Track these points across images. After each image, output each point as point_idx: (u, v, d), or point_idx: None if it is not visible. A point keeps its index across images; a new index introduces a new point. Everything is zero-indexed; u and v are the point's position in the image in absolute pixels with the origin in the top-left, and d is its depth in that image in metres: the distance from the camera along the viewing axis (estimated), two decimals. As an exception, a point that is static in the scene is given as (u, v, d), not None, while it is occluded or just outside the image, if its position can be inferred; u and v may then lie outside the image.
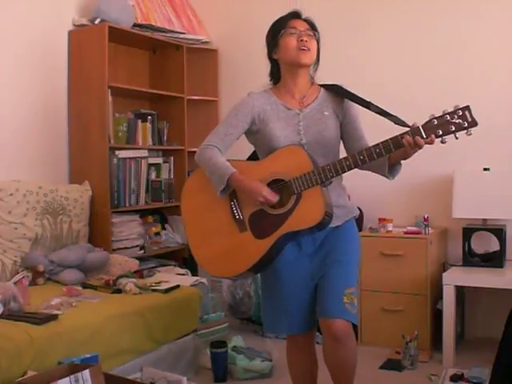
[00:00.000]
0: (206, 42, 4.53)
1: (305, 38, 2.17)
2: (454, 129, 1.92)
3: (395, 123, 2.10)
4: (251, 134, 2.27)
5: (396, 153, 2.03)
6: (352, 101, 2.24)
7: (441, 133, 1.93)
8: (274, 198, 2.12)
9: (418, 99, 3.83)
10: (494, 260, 3.48)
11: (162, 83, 4.31)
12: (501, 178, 3.51)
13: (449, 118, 1.92)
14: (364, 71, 3.91)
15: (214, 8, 4.56)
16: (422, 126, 1.95)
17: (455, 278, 3.37)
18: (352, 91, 2.25)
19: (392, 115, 2.12)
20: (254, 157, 2.38)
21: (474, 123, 1.91)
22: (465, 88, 3.76)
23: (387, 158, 2.07)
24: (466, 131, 1.92)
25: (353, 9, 4.07)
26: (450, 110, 1.93)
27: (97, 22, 3.71)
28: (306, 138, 2.20)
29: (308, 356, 2.37)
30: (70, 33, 3.80)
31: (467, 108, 1.92)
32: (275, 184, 2.15)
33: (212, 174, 2.19)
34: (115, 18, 3.73)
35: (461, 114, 1.91)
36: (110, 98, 3.73)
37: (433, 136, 1.93)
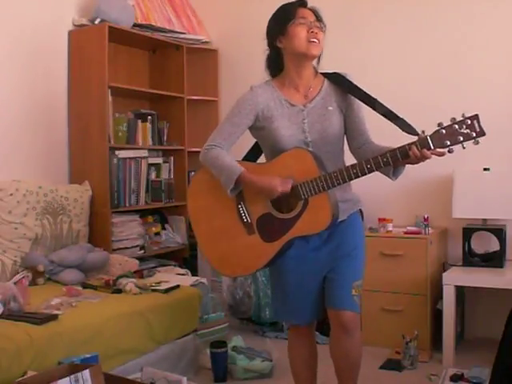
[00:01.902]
0: (206, 42, 4.53)
1: (315, 30, 2.14)
2: (462, 139, 1.90)
3: (402, 130, 2.07)
4: (255, 129, 2.26)
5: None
6: (356, 97, 2.20)
7: (449, 143, 1.91)
8: (288, 186, 2.10)
9: (417, 99, 3.84)
10: (494, 260, 3.48)
11: (162, 83, 4.31)
12: (501, 178, 3.51)
13: (457, 127, 1.90)
14: (363, 71, 3.89)
15: (214, 8, 4.56)
16: (430, 137, 1.94)
17: (455, 277, 3.37)
18: (355, 83, 2.21)
19: (399, 118, 2.10)
20: (252, 152, 2.38)
21: (482, 133, 1.89)
22: (465, 88, 3.76)
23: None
24: (473, 141, 1.90)
25: (353, 9, 4.07)
26: (459, 118, 1.90)
27: (97, 22, 3.71)
28: (310, 135, 2.19)
29: (309, 345, 2.40)
30: (70, 33, 3.80)
31: (476, 117, 1.89)
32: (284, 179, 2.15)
33: (220, 173, 2.17)
34: (115, 18, 3.73)
35: (469, 123, 1.89)
36: (110, 98, 3.73)
37: (442, 148, 1.92)
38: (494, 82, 3.71)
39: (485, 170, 3.56)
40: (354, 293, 2.19)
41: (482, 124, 1.88)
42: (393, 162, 1.99)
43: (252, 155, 2.40)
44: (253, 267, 2.25)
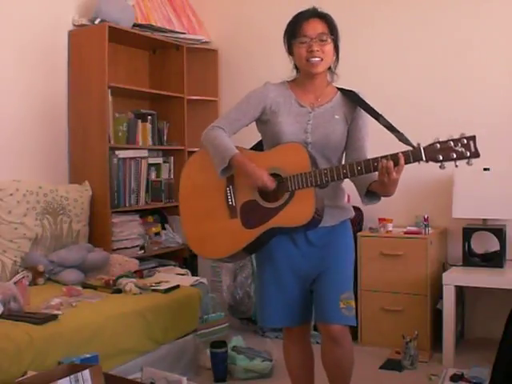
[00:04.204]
0: (206, 42, 4.53)
1: (315, 48, 2.15)
2: (455, 156, 1.92)
3: (399, 140, 2.09)
4: (261, 123, 2.29)
5: (377, 183, 2.06)
6: (363, 109, 2.24)
7: (441, 158, 1.93)
8: (271, 184, 2.13)
9: (417, 99, 3.84)
10: (493, 260, 3.48)
11: (162, 83, 4.31)
12: (501, 178, 3.51)
13: (452, 144, 1.92)
14: (363, 71, 3.90)
15: (214, 8, 4.56)
16: (424, 148, 1.95)
17: (455, 277, 3.37)
18: (366, 101, 2.24)
19: (398, 132, 2.12)
20: (257, 148, 2.39)
21: (476, 154, 1.91)
22: (465, 88, 3.76)
23: (369, 181, 2.11)
24: (467, 161, 1.92)
25: (354, 9, 4.06)
26: (456, 137, 1.93)
27: (97, 22, 3.71)
28: (312, 137, 2.20)
29: (302, 348, 2.40)
30: (70, 33, 3.80)
31: (472, 138, 1.92)
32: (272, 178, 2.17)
33: (215, 153, 2.20)
34: (115, 18, 3.73)
35: (465, 142, 1.91)
36: (110, 98, 3.73)
37: (434, 162, 1.94)
38: (495, 83, 3.70)
39: (485, 169, 3.55)
40: (341, 306, 2.19)
41: (477, 146, 1.90)
42: (365, 171, 2.02)
43: (256, 150, 2.41)
44: (227, 251, 2.24)
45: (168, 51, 4.32)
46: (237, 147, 2.22)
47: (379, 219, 3.72)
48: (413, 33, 3.91)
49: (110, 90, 3.71)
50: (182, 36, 4.29)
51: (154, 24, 4.12)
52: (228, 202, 2.24)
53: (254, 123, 2.32)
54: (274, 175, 2.16)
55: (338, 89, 2.31)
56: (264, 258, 2.30)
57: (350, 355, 2.29)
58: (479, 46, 3.74)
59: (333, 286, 2.21)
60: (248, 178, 2.16)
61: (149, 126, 4.11)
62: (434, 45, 3.86)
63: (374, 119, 2.22)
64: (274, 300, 2.27)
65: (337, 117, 2.23)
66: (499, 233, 3.49)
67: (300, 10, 2.23)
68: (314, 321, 2.50)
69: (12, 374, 2.21)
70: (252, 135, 2.37)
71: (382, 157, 2.00)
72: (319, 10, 2.22)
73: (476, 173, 3.56)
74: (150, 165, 4.13)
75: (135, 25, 3.95)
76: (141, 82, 4.27)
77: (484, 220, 3.61)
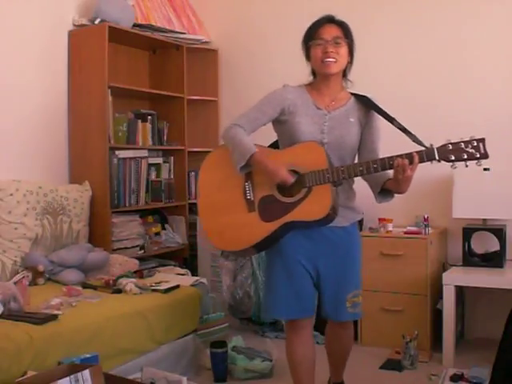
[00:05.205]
0: (206, 42, 4.54)
1: (330, 49, 2.25)
2: (466, 157, 2.06)
3: (413, 141, 2.19)
4: (279, 123, 2.36)
5: (391, 181, 2.20)
6: (377, 113, 2.33)
7: (453, 158, 2.07)
8: (290, 179, 2.20)
9: (418, 99, 3.84)
10: (494, 260, 3.48)
11: (162, 83, 4.31)
12: (501, 178, 3.51)
13: (463, 145, 2.05)
14: (362, 71, 3.89)
15: (214, 8, 4.56)
16: (437, 149, 2.07)
17: (455, 277, 3.37)
18: (380, 105, 2.33)
19: (411, 133, 2.22)
20: (273, 147, 2.45)
21: (485, 156, 2.04)
22: (465, 88, 3.76)
23: (383, 180, 2.25)
24: (476, 161, 2.05)
25: (354, 10, 4.06)
26: (466, 138, 2.05)
27: (97, 22, 3.71)
28: (328, 137, 2.29)
29: (306, 341, 2.44)
30: (70, 33, 3.80)
31: (482, 140, 2.05)
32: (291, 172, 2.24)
33: (234, 150, 2.27)
34: (115, 18, 3.73)
35: (475, 144, 2.05)
36: (110, 98, 3.73)
37: (446, 162, 2.07)
38: (495, 83, 3.70)
39: (485, 169, 3.55)
40: (347, 305, 2.33)
41: (486, 148, 2.04)
42: (381, 168, 2.14)
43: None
44: (245, 243, 2.31)
45: (168, 51, 4.32)
46: (255, 145, 2.29)
47: (379, 219, 3.72)
48: (412, 33, 3.91)
49: (109, 90, 3.71)
50: (181, 36, 4.30)
51: (154, 24, 4.12)
52: (246, 196, 2.30)
53: (271, 123, 2.39)
54: (292, 172, 2.23)
55: (352, 94, 2.39)
56: (275, 252, 2.36)
57: (351, 340, 2.57)
58: (480, 47, 3.73)
59: (339, 287, 2.34)
60: (267, 175, 2.23)
61: (149, 125, 4.11)
62: (433, 45, 3.85)
63: (386, 122, 2.32)
64: (286, 293, 2.33)
65: (351, 120, 2.33)
66: (499, 233, 3.49)
67: (317, 18, 2.34)
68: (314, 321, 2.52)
69: (12, 373, 2.21)
70: (268, 135, 2.43)
71: (397, 155, 2.11)
72: (335, 18, 2.34)
73: (476, 173, 3.53)
74: (150, 165, 4.13)
75: (135, 25, 3.95)
76: (141, 82, 4.27)
77: (484, 220, 3.61)
